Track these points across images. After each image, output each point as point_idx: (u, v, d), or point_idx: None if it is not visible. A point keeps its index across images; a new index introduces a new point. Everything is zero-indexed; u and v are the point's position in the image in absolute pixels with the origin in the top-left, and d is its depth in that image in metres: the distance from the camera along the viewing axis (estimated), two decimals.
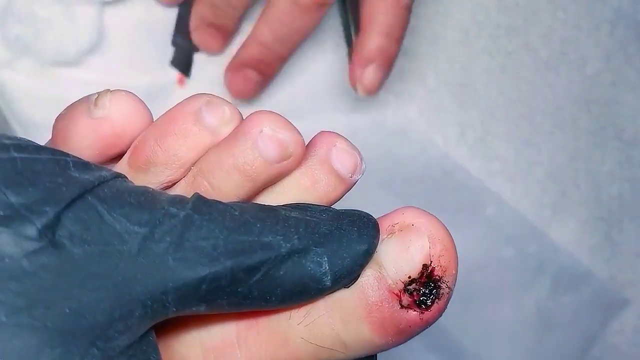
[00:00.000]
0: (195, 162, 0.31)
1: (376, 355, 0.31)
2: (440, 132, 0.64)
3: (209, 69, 0.60)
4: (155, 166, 0.31)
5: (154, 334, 0.27)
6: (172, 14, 0.59)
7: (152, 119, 0.31)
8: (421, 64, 0.65)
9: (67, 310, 0.24)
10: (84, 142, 0.31)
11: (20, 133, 0.55)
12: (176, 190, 0.31)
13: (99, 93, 0.31)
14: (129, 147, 0.32)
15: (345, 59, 0.61)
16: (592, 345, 0.65)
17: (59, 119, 0.32)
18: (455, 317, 0.63)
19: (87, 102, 0.31)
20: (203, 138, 0.31)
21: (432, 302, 0.29)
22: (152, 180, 0.31)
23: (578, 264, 0.65)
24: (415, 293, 0.29)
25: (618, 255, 0.66)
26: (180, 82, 0.59)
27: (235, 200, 0.30)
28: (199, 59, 0.60)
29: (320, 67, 0.63)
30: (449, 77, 0.65)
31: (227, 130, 0.31)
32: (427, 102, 0.64)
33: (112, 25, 0.56)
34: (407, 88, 0.64)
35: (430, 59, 0.65)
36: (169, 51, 0.59)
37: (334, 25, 0.62)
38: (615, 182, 0.66)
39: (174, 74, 0.59)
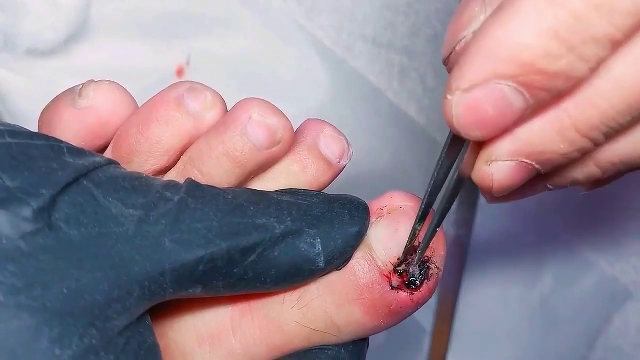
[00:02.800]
0: (180, 150, 0.31)
1: (368, 339, 0.32)
2: (441, 131, 0.64)
3: (210, 60, 0.60)
4: (139, 155, 0.31)
5: (149, 318, 0.28)
6: (166, 4, 0.59)
7: (138, 108, 0.32)
8: (421, 62, 0.64)
9: (66, 291, 0.24)
10: (69, 133, 0.31)
11: None
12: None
13: (83, 84, 0.31)
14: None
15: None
16: (596, 340, 0.65)
17: (44, 111, 0.32)
18: (459, 312, 0.63)
19: (72, 94, 0.31)
20: (186, 124, 0.31)
21: (422, 283, 0.30)
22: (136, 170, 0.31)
23: (581, 258, 0.65)
24: (404, 274, 0.30)
25: (621, 257, 0.66)
26: (179, 73, 0.59)
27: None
28: (199, 49, 0.60)
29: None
30: None
31: (210, 115, 0.31)
32: (427, 101, 0.64)
33: (102, 15, 0.56)
34: (407, 87, 0.64)
35: (430, 57, 0.64)
36: (165, 42, 0.59)
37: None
38: (618, 181, 0.66)
39: (173, 65, 0.59)
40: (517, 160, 0.27)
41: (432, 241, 0.30)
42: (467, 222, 0.63)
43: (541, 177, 0.29)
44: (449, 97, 0.26)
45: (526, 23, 0.24)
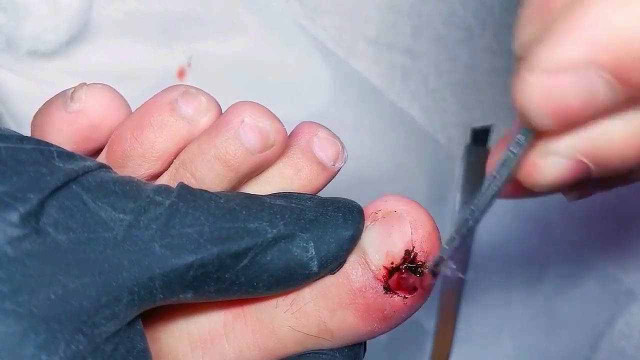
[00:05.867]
0: (174, 154, 0.31)
1: (364, 343, 0.31)
2: (443, 133, 0.64)
3: (211, 61, 0.60)
4: (133, 159, 0.31)
5: (140, 322, 0.28)
6: (167, 5, 0.59)
7: (130, 111, 0.32)
8: (424, 63, 0.64)
9: (53, 297, 0.24)
10: (61, 137, 0.31)
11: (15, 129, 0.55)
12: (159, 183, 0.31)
13: (75, 87, 0.31)
14: (107, 142, 0.32)
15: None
16: (599, 342, 0.64)
17: (36, 114, 0.32)
18: (462, 313, 0.63)
19: (64, 97, 0.31)
20: (180, 128, 0.31)
21: (415, 287, 0.30)
22: (130, 175, 0.31)
23: (584, 259, 0.65)
24: (398, 278, 0.30)
25: (625, 258, 0.66)
26: (180, 74, 0.59)
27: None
28: (200, 50, 0.60)
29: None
30: (452, 77, 0.64)
31: (204, 120, 0.31)
32: (430, 102, 0.64)
33: (103, 16, 0.56)
34: (409, 88, 0.64)
35: (432, 58, 0.64)
36: (166, 43, 0.59)
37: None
38: None
39: (174, 66, 0.59)
40: (576, 157, 0.25)
41: (426, 245, 0.30)
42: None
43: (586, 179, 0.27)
44: (526, 75, 0.23)
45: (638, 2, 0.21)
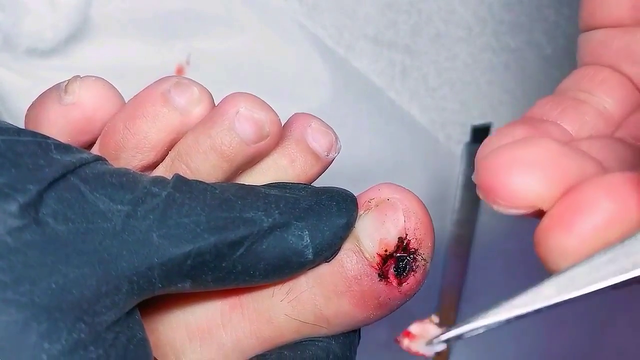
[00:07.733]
0: (167, 145, 0.31)
1: (359, 330, 0.32)
2: (443, 131, 0.64)
3: (210, 59, 0.60)
4: (126, 151, 0.31)
5: (139, 312, 0.28)
6: (166, 3, 0.59)
7: (123, 103, 0.32)
8: (423, 61, 0.64)
9: (54, 286, 0.24)
10: (55, 129, 0.31)
11: None
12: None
13: (68, 80, 0.31)
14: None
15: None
16: (600, 341, 0.64)
17: (31, 107, 0.32)
18: (462, 311, 0.63)
19: (58, 90, 0.31)
20: (173, 119, 0.31)
21: (408, 274, 0.30)
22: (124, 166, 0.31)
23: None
24: (392, 265, 0.30)
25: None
26: (179, 72, 0.59)
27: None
28: (199, 48, 0.60)
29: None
30: (452, 75, 0.64)
31: (197, 110, 0.31)
32: (429, 100, 0.64)
33: (102, 14, 0.56)
34: (409, 86, 0.64)
35: (432, 57, 0.64)
36: (165, 41, 0.59)
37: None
38: None
39: (173, 64, 0.59)
40: None
41: (419, 233, 0.30)
42: (469, 221, 0.63)
43: None
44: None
45: None
